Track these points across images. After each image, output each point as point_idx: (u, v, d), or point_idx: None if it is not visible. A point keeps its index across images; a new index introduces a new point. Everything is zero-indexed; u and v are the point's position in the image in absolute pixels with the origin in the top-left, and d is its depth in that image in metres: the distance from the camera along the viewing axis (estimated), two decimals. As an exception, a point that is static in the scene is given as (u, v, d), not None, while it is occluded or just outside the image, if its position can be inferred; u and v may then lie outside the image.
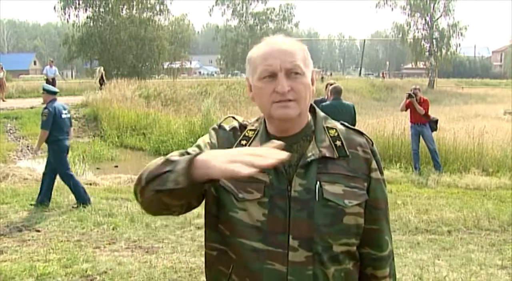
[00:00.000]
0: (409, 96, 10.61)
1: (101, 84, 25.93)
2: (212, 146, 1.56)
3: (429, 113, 10.71)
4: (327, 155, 1.49)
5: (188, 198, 1.37)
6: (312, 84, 1.52)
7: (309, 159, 1.46)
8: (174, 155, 1.40)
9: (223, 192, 1.49)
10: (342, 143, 1.52)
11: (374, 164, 1.55)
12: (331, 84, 8.78)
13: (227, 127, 1.60)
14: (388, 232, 1.61)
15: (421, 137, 10.74)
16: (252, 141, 1.53)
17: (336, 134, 1.54)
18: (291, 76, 1.44)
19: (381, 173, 1.57)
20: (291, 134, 1.51)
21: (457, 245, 5.88)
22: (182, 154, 1.44)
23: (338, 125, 1.58)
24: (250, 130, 1.56)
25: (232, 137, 1.56)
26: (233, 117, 1.64)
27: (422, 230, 6.47)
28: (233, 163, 1.20)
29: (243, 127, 1.59)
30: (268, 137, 1.52)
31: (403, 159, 11.31)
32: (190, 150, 1.53)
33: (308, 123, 1.54)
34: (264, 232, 1.43)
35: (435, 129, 10.80)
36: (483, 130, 11.88)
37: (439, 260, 5.35)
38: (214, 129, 1.61)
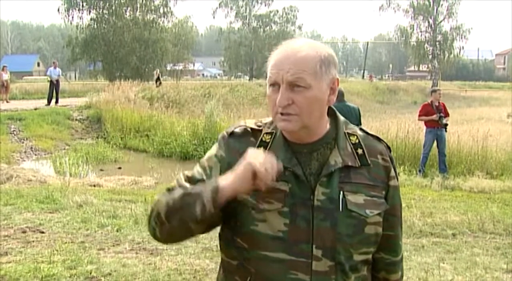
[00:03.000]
0: (440, 118, 10.54)
1: (157, 85, 28.19)
2: (221, 160, 1.51)
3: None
4: (350, 163, 1.47)
5: (213, 219, 1.42)
6: (332, 93, 1.47)
7: (332, 168, 1.44)
8: (184, 185, 1.47)
9: (241, 207, 1.46)
10: (363, 151, 1.50)
11: (392, 172, 1.54)
12: None
13: (239, 134, 1.54)
14: (401, 237, 1.64)
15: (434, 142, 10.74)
16: (270, 148, 1.48)
17: (357, 141, 1.51)
18: (294, 89, 1.40)
19: (397, 179, 1.58)
20: (310, 141, 1.48)
21: (462, 248, 5.86)
22: (189, 179, 1.50)
23: (358, 130, 1.55)
24: (267, 134, 1.52)
25: (244, 145, 1.48)
26: (245, 126, 1.56)
27: (427, 233, 6.46)
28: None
29: (257, 131, 1.53)
30: (287, 144, 1.48)
31: (407, 162, 11.30)
32: (195, 172, 1.53)
33: (328, 130, 1.51)
34: (286, 242, 1.42)
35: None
36: (487, 133, 11.86)
37: (444, 263, 5.33)
38: (223, 137, 1.56)
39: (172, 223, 1.42)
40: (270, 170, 1.34)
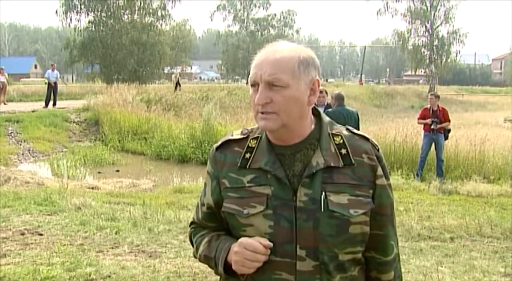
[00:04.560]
0: (432, 123, 10.56)
1: (176, 88, 29.67)
2: (215, 177, 1.60)
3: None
4: (332, 164, 1.48)
5: None
6: (312, 94, 1.51)
7: (314, 169, 1.47)
8: (202, 235, 1.67)
9: (229, 216, 1.55)
10: (347, 151, 1.51)
11: (379, 171, 1.54)
12: (320, 91, 8.72)
13: (223, 146, 1.60)
14: (393, 237, 1.62)
15: (432, 146, 10.76)
16: (255, 152, 1.54)
17: (341, 141, 1.52)
18: (272, 88, 1.44)
19: (387, 178, 1.57)
20: (293, 142, 1.51)
21: (460, 252, 5.88)
22: (203, 214, 1.67)
23: (343, 130, 1.56)
24: (253, 139, 1.57)
25: (232, 155, 1.57)
26: (230, 137, 1.62)
27: (425, 237, 6.48)
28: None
29: (242, 139, 1.59)
30: (270, 145, 1.52)
31: (405, 166, 11.34)
32: (202, 197, 1.66)
33: (312, 131, 1.53)
34: (272, 244, 1.46)
35: (446, 138, 10.83)
36: (484, 137, 11.90)
37: (442, 266, 5.35)
38: (211, 152, 1.63)
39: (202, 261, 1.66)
40: (254, 259, 1.45)
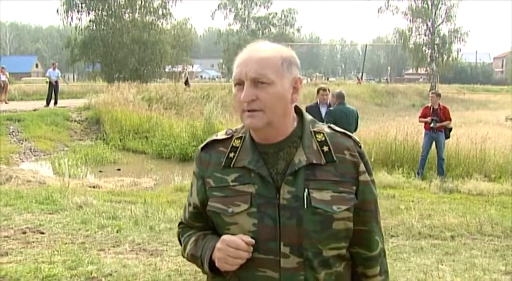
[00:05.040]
0: (431, 121, 10.54)
1: (186, 87, 30.07)
2: (200, 177, 1.63)
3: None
4: (314, 161, 1.50)
5: None
6: (295, 92, 1.53)
7: (296, 167, 1.48)
8: (189, 234, 1.69)
9: (214, 215, 1.57)
10: (329, 148, 1.53)
11: (362, 167, 1.56)
12: (323, 89, 8.75)
13: (208, 147, 1.63)
14: (378, 232, 1.63)
15: (432, 145, 10.75)
16: (239, 152, 1.56)
17: (323, 138, 1.55)
18: (258, 85, 1.46)
19: (370, 174, 1.59)
20: (276, 141, 1.53)
21: (461, 250, 5.89)
22: (189, 214, 1.69)
23: (325, 128, 1.59)
24: (237, 138, 1.59)
25: (216, 155, 1.60)
26: (215, 138, 1.64)
27: (426, 235, 6.48)
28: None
29: (226, 139, 1.61)
30: (254, 144, 1.55)
31: (406, 164, 11.35)
32: (189, 197, 1.68)
33: (294, 129, 1.55)
34: (256, 241, 1.47)
35: (448, 137, 10.82)
36: (485, 136, 11.90)
37: (442, 265, 5.36)
38: (197, 152, 1.67)
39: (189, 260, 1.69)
40: (236, 255, 1.46)
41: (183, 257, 1.71)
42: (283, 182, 1.49)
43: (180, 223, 1.77)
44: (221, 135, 1.63)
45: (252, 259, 1.47)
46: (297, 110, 1.60)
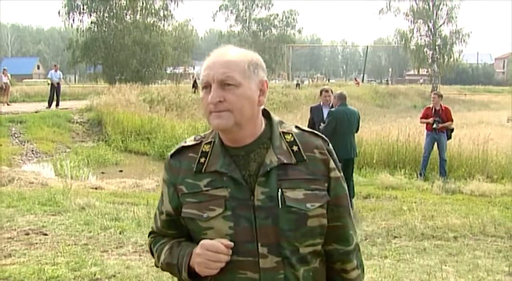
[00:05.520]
0: (434, 122, 10.54)
1: (194, 88, 30.63)
2: (168, 183, 1.63)
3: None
4: (285, 161, 1.52)
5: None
6: (262, 94, 1.55)
7: (268, 168, 1.50)
8: (162, 243, 1.67)
9: (189, 221, 1.57)
10: (298, 148, 1.55)
11: (332, 164, 1.59)
12: (326, 91, 8.77)
13: (178, 153, 1.63)
14: (352, 227, 1.66)
15: (434, 145, 10.75)
16: (210, 156, 1.56)
17: (292, 139, 1.57)
18: (225, 87, 1.48)
19: (339, 170, 1.62)
20: (245, 143, 1.54)
21: (464, 251, 5.88)
22: (162, 222, 1.67)
23: (293, 128, 1.61)
24: (206, 144, 1.59)
25: (187, 161, 1.59)
26: (184, 144, 1.65)
27: (428, 236, 6.47)
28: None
29: (195, 145, 1.61)
30: (224, 148, 1.55)
31: (408, 165, 11.35)
32: (162, 214, 1.66)
33: (263, 131, 1.57)
34: (233, 244, 1.48)
35: (450, 138, 10.81)
36: (487, 137, 11.89)
37: (446, 266, 5.35)
38: (167, 160, 1.66)
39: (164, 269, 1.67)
40: (216, 259, 1.47)
41: (156, 266, 1.71)
42: (256, 183, 1.50)
43: (151, 233, 1.76)
44: (190, 141, 1.64)
45: (231, 262, 1.48)
46: (265, 113, 1.61)
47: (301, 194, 1.51)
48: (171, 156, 1.64)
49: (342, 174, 1.63)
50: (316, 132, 1.64)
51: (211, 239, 1.49)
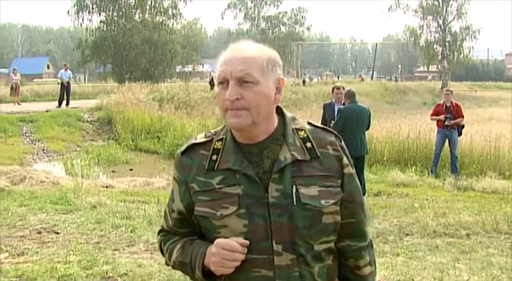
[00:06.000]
0: (445, 119, 10.47)
1: (211, 86, 30.25)
2: (179, 180, 1.61)
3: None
4: (299, 158, 1.51)
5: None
6: (278, 92, 1.53)
7: (282, 164, 1.49)
8: (173, 241, 1.65)
9: (202, 220, 1.56)
10: (312, 144, 1.54)
11: (345, 160, 1.58)
12: (337, 88, 8.78)
13: (188, 151, 1.60)
14: (366, 222, 1.65)
15: (445, 142, 10.68)
16: (222, 153, 1.54)
17: (305, 135, 1.56)
18: (243, 84, 1.46)
19: (352, 167, 1.61)
20: (259, 140, 1.53)
21: (477, 248, 5.83)
22: (172, 220, 1.65)
23: (306, 125, 1.60)
24: (218, 141, 1.57)
25: (198, 159, 1.57)
26: (194, 141, 1.62)
27: (441, 234, 6.43)
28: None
29: (206, 142, 1.59)
30: (236, 145, 1.53)
31: (419, 162, 11.30)
32: (173, 213, 1.64)
33: (277, 127, 1.55)
34: (248, 241, 1.47)
35: (460, 134, 10.75)
36: (499, 133, 11.80)
37: (459, 263, 5.31)
38: (177, 157, 1.63)
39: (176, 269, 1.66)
40: (232, 258, 1.46)
41: (167, 265, 1.69)
42: (270, 180, 1.49)
43: (161, 231, 1.74)
44: (200, 138, 1.61)
45: (246, 260, 1.47)
46: (277, 109, 1.59)
47: (315, 191, 1.50)
48: (182, 153, 1.61)
49: (354, 170, 1.62)
50: (328, 128, 1.63)
51: (225, 237, 1.49)
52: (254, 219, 1.47)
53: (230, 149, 1.53)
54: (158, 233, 1.74)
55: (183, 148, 1.62)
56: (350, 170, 1.58)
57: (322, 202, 1.50)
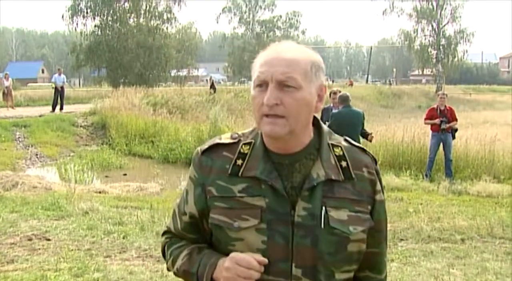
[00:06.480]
0: (441, 123, 10.47)
1: (212, 90, 31.89)
2: (195, 181, 1.47)
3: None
4: (333, 177, 1.39)
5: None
6: (320, 100, 1.41)
7: (315, 182, 1.37)
8: (179, 246, 1.52)
9: (216, 229, 1.42)
10: (347, 164, 1.42)
11: (378, 186, 1.47)
12: (334, 93, 8.80)
13: (211, 150, 1.47)
14: (386, 254, 1.56)
15: (440, 146, 10.68)
16: (248, 159, 1.42)
17: (341, 153, 1.43)
18: (284, 89, 1.33)
19: (383, 193, 1.51)
20: (292, 151, 1.40)
21: (471, 253, 5.80)
22: (181, 224, 1.52)
23: (342, 141, 1.47)
24: (245, 144, 1.44)
25: (220, 161, 1.44)
26: (219, 141, 1.48)
27: (435, 238, 6.39)
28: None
29: (232, 144, 1.46)
30: (266, 153, 1.41)
31: (413, 166, 11.27)
32: (184, 215, 1.51)
33: (312, 140, 1.43)
34: (266, 260, 1.35)
35: (454, 138, 10.76)
36: (494, 137, 11.80)
37: (453, 269, 5.27)
38: (197, 155, 1.49)
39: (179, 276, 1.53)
40: (247, 276, 1.32)
41: (169, 270, 1.55)
42: (299, 197, 1.36)
43: (166, 232, 1.59)
44: (225, 139, 1.47)
45: (261, 280, 1.34)
46: (314, 121, 1.46)
47: (345, 215, 1.38)
48: (203, 152, 1.47)
49: (384, 197, 1.52)
50: (364, 148, 1.51)
51: (239, 251, 1.36)
52: (274, 237, 1.35)
53: (258, 156, 1.40)
54: (163, 234, 1.61)
55: (205, 146, 1.48)
56: (381, 197, 1.48)
57: (351, 228, 1.38)
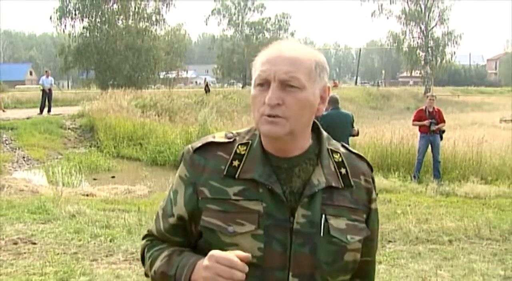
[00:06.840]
0: (430, 124, 10.52)
1: (206, 91, 32.83)
2: (191, 183, 1.37)
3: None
4: (333, 184, 1.35)
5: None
6: (322, 102, 1.36)
7: (316, 189, 1.32)
8: (160, 249, 1.40)
9: (208, 232, 1.34)
10: (346, 171, 1.39)
11: (374, 194, 1.45)
12: None
13: (204, 149, 1.39)
14: (375, 261, 1.55)
15: (428, 148, 10.73)
16: (245, 161, 1.35)
17: (340, 159, 1.39)
18: (286, 88, 1.27)
19: (376, 201, 1.48)
20: (292, 155, 1.34)
21: (459, 255, 5.82)
22: (165, 227, 1.41)
23: (340, 147, 1.43)
24: (242, 144, 1.37)
25: (214, 160, 1.36)
26: (212, 140, 1.40)
27: (423, 240, 6.41)
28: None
29: (227, 143, 1.38)
30: (264, 155, 1.34)
31: (402, 168, 11.30)
32: (171, 217, 1.40)
33: (311, 144, 1.38)
34: (260, 269, 1.28)
35: (441, 139, 10.83)
36: (481, 138, 11.87)
37: (441, 270, 5.28)
38: (188, 153, 1.41)
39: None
40: (229, 275, 1.19)
41: (146, 276, 1.42)
42: (299, 204, 1.31)
43: (147, 235, 1.48)
44: (220, 138, 1.39)
45: None
46: (313, 124, 1.40)
47: (343, 224, 1.34)
48: (195, 150, 1.39)
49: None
50: (361, 154, 1.48)
51: None
52: (271, 244, 1.29)
53: (256, 158, 1.34)
54: (144, 237, 1.49)
55: (197, 144, 1.40)
56: (376, 205, 1.45)
57: (348, 237, 1.34)
